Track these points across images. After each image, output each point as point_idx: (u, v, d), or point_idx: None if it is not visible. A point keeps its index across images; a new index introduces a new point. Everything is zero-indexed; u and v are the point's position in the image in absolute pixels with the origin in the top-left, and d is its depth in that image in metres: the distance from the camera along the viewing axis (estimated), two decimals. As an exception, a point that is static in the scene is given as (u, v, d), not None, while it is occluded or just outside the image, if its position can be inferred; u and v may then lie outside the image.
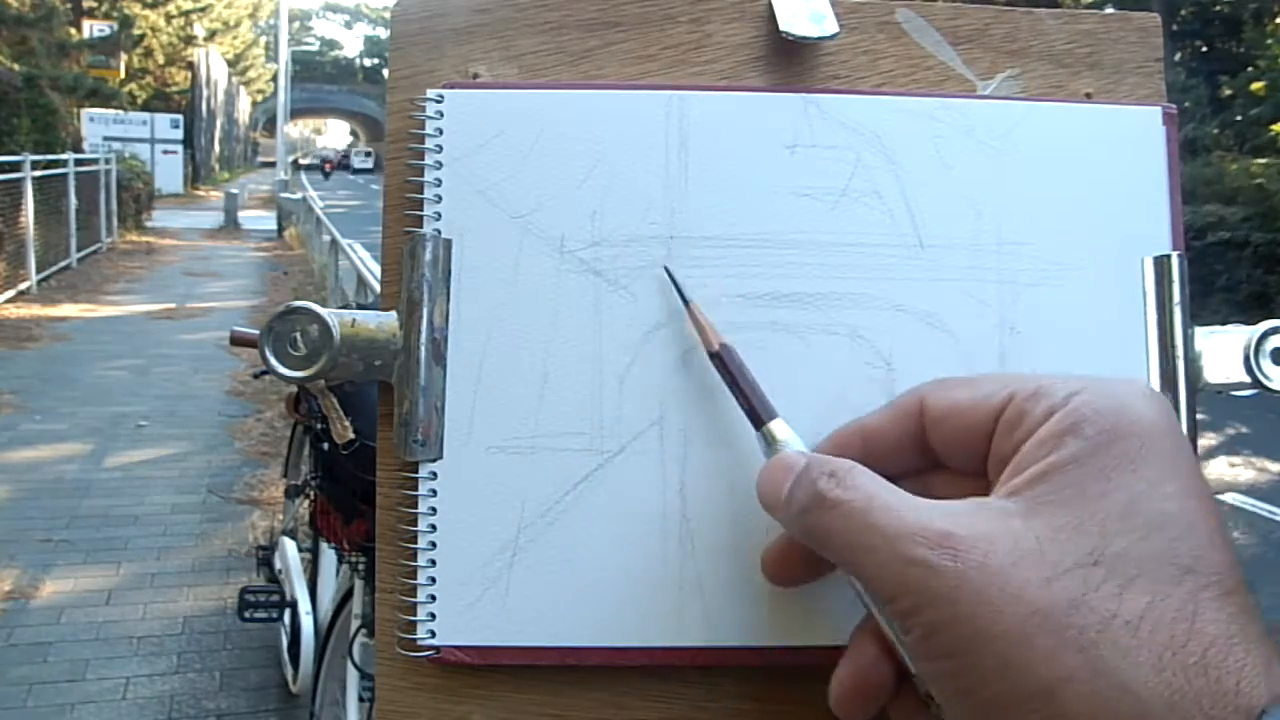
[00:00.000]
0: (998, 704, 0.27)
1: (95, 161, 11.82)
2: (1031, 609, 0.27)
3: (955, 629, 0.28)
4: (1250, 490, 4.54)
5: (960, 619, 0.28)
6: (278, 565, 2.45)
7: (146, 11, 25.03)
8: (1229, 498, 4.41)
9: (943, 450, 0.35)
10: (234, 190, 17.19)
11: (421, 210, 0.41)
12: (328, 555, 2.18)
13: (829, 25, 0.43)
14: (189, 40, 28.13)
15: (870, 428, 0.36)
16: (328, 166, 46.22)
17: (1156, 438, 0.29)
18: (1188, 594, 0.27)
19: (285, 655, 2.35)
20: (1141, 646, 0.26)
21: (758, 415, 0.37)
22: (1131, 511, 0.28)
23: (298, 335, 0.40)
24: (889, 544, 0.29)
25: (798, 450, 0.36)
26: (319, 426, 1.76)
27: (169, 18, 26.81)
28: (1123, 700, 0.25)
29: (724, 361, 0.38)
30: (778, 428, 0.37)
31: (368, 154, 51.72)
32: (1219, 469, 4.84)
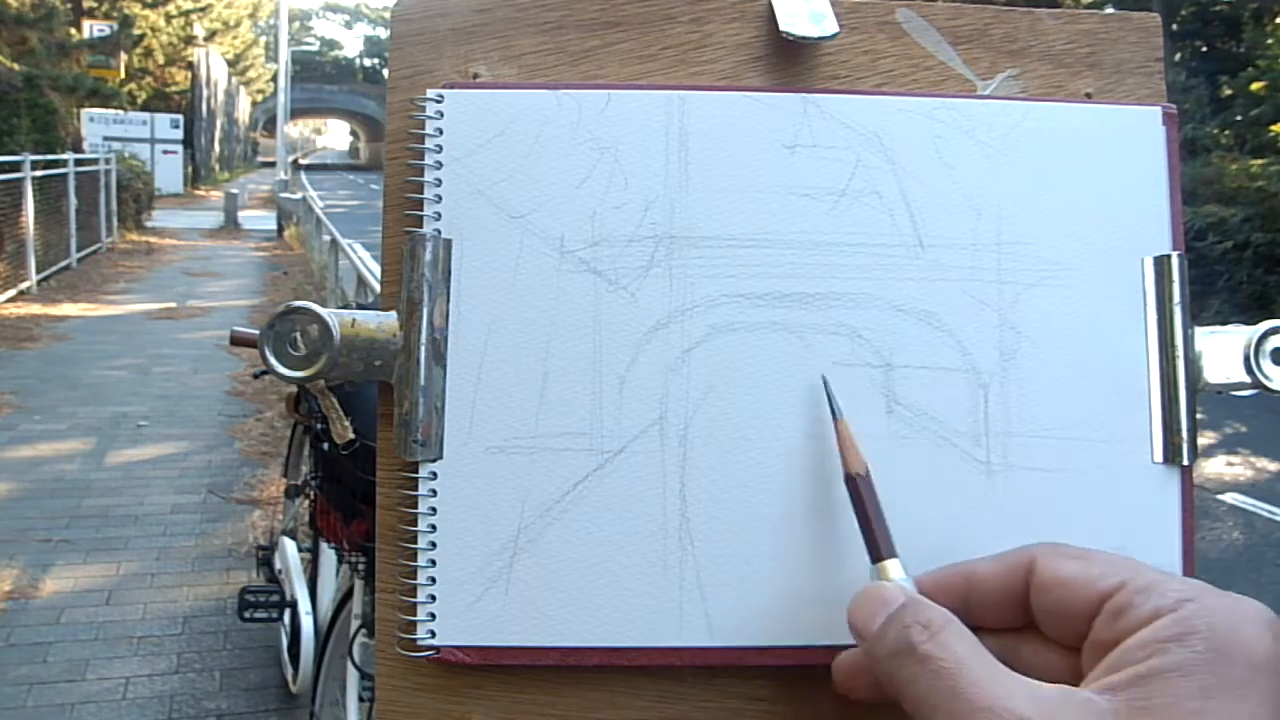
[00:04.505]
0: None
1: (95, 161, 11.80)
2: None
3: None
4: (1250, 490, 4.54)
5: None
6: (278, 565, 2.45)
7: (146, 11, 25.01)
8: (1229, 498, 4.40)
9: (1042, 617, 0.34)
10: (234, 190, 17.16)
11: (421, 210, 0.41)
12: (328, 555, 2.18)
13: (829, 25, 0.43)
14: (189, 40, 28.11)
15: (977, 574, 0.36)
16: None
17: (1267, 669, 0.28)
18: None
19: (285, 655, 2.35)
20: None
21: (878, 550, 0.37)
22: None
23: (298, 335, 0.40)
24: (968, 714, 0.29)
25: (898, 586, 0.35)
26: (319, 426, 1.76)
27: (169, 18, 26.79)
28: None
29: (859, 489, 0.38)
30: (892, 567, 0.36)
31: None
32: (1219, 469, 4.84)
